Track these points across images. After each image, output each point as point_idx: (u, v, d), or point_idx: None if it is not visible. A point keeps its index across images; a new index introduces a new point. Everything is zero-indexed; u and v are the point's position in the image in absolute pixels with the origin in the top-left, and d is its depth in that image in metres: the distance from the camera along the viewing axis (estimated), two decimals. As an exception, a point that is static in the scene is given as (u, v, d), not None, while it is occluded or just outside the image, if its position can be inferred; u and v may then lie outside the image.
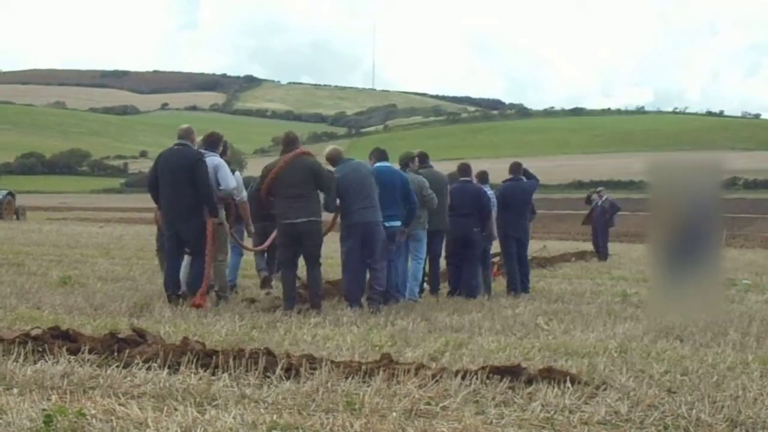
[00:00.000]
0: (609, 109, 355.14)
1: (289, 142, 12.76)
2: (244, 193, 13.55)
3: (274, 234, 13.69)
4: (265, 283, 14.78)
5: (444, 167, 16.63)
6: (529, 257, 17.71)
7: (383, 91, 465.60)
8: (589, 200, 28.94)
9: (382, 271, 12.95)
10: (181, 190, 12.43)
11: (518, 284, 15.83)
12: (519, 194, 16.18)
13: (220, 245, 13.04)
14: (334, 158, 13.32)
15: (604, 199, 28.15)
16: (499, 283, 17.01)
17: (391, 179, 13.37)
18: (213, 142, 13.21)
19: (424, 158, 15.14)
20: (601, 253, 27.67)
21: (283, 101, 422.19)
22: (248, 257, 16.18)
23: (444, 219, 14.69)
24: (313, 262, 12.53)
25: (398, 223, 13.41)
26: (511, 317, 11.85)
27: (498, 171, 18.83)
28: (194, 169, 12.38)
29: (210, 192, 12.49)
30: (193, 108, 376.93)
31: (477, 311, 12.39)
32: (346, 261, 12.88)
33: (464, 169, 15.74)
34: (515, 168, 16.46)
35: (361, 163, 13.50)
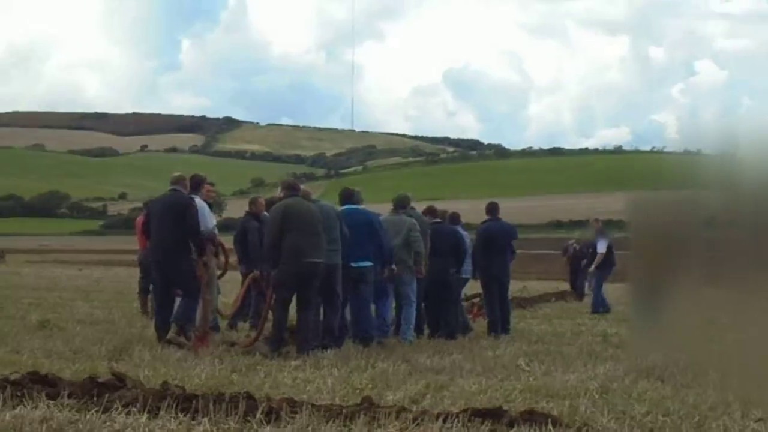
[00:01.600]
0: (587, 148, 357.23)
1: (290, 187, 12.89)
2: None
3: (245, 287, 13.84)
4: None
5: (421, 208, 16.66)
6: (509, 297, 17.70)
7: (363, 132, 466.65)
8: (566, 252, 29.25)
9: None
10: (169, 231, 12.70)
11: (499, 325, 15.80)
12: (499, 234, 16.18)
13: (208, 284, 13.17)
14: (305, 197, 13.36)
15: (578, 247, 28.28)
16: (480, 324, 16.99)
17: (357, 220, 13.35)
18: (194, 184, 13.44)
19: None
20: (577, 292, 27.73)
21: (263, 142, 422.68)
22: (225, 299, 16.13)
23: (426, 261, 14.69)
24: (312, 304, 12.61)
25: (367, 263, 13.40)
26: (492, 359, 11.83)
27: (478, 212, 18.86)
28: (184, 211, 12.67)
29: (198, 233, 12.70)
30: (173, 150, 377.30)
31: (458, 353, 12.36)
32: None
33: (432, 211, 15.78)
34: (492, 208, 16.48)
35: (331, 204, 13.63)
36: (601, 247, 22.15)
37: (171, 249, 12.71)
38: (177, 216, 12.66)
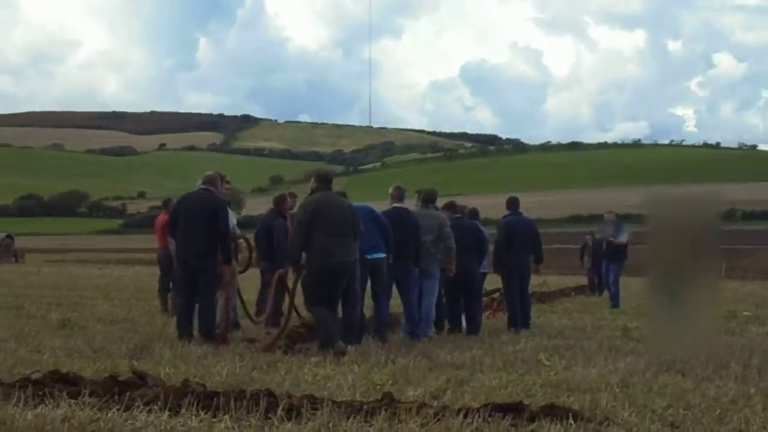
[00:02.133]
0: (605, 143, 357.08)
1: (323, 179, 12.71)
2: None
3: (273, 288, 13.68)
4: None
5: (440, 204, 16.62)
6: (530, 292, 17.64)
7: (380, 128, 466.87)
8: (584, 248, 29.14)
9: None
10: (198, 231, 12.70)
11: (519, 320, 15.75)
12: (521, 229, 16.14)
13: (229, 283, 13.22)
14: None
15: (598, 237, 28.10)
16: (500, 319, 16.97)
17: (363, 214, 13.19)
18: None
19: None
20: (597, 286, 27.58)
21: (281, 140, 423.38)
22: (246, 296, 16.12)
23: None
24: (335, 303, 12.42)
25: (381, 255, 13.28)
26: (512, 353, 11.81)
27: (497, 207, 18.84)
28: (216, 215, 12.68)
29: (228, 239, 12.74)
30: (191, 148, 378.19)
31: (478, 348, 12.34)
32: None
33: (452, 207, 15.74)
34: (513, 203, 16.45)
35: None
36: (623, 237, 22.09)
37: (200, 251, 12.68)
38: (209, 218, 12.64)
